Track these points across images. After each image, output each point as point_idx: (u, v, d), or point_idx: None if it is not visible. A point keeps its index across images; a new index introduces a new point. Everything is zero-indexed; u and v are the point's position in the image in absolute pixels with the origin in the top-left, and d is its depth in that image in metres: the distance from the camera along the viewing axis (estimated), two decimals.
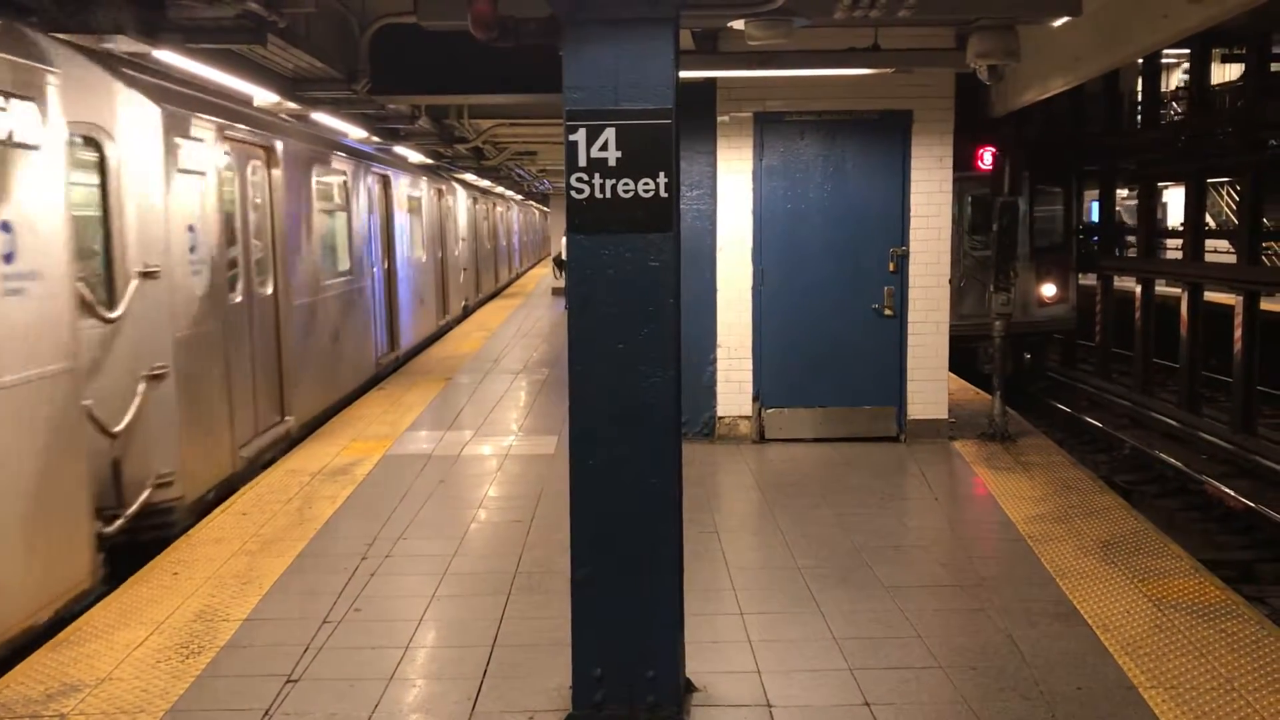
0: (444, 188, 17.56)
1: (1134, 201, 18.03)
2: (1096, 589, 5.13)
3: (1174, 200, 26.31)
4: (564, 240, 18.25)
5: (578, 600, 3.81)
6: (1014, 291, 8.60)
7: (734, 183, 8.26)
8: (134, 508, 5.87)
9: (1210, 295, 13.77)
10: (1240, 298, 11.99)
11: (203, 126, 6.95)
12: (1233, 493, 9.84)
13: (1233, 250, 15.86)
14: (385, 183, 12.72)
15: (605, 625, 3.80)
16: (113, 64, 6.09)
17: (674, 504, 3.81)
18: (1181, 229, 14.65)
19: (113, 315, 5.83)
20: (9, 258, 4.56)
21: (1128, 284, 15.82)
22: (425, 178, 15.70)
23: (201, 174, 6.86)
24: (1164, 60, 16.92)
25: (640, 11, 3.59)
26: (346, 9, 8.26)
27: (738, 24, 5.39)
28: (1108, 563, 5.50)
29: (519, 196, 33.76)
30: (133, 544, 5.86)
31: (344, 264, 10.73)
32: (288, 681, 4.26)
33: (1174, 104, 20.25)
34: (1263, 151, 12.22)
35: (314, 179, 9.54)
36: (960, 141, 8.44)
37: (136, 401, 5.92)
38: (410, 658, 4.50)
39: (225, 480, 7.10)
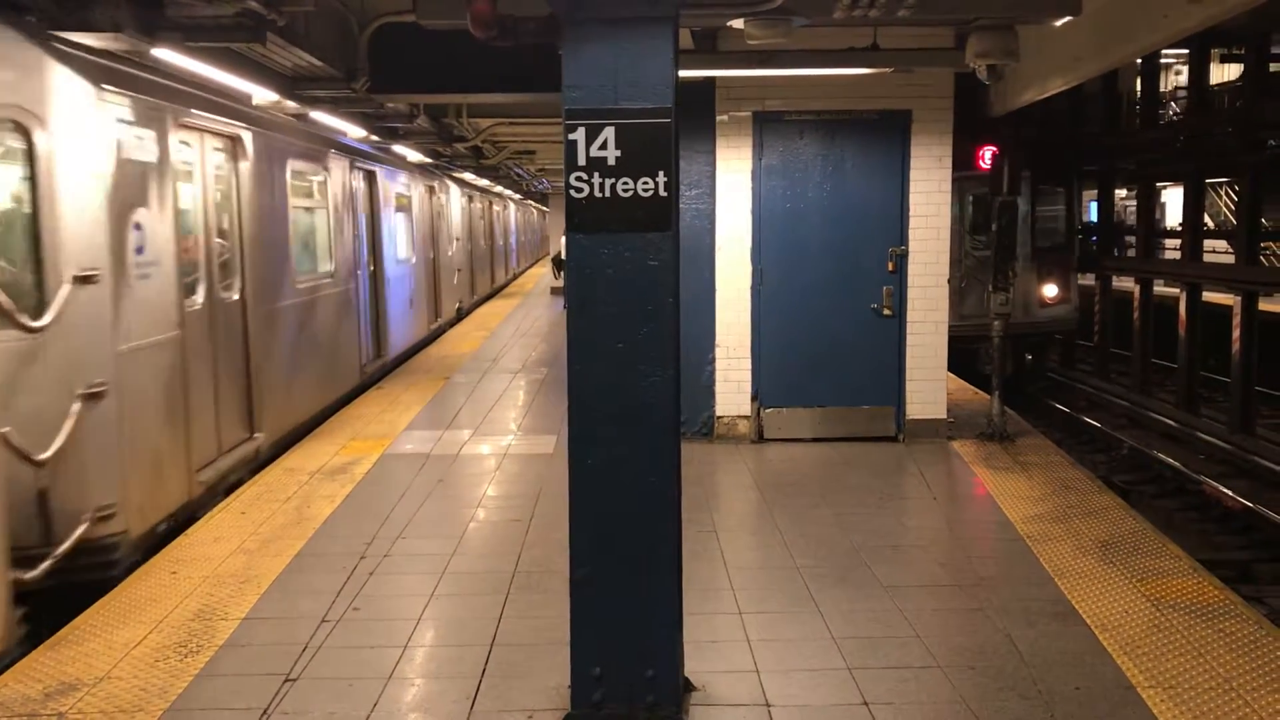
0: (436, 185, 16.88)
1: (1133, 202, 18.04)
2: (1095, 589, 5.13)
3: (1173, 200, 26.32)
4: (563, 240, 18.17)
5: (576, 599, 3.81)
6: (1013, 291, 8.61)
7: (733, 182, 8.26)
8: (65, 546, 5.15)
9: (1209, 295, 13.78)
10: (1239, 298, 11.99)
11: (154, 112, 6.20)
12: (1231, 493, 9.84)
13: (1231, 250, 15.87)
14: (371, 178, 12.08)
15: (604, 624, 3.80)
16: (43, 36, 5.32)
17: (673, 503, 3.81)
18: (1180, 229, 14.64)
19: (37, 325, 5.11)
20: None
21: (1126, 284, 15.82)
22: (415, 174, 15.05)
23: (151, 164, 6.15)
24: (1163, 60, 16.88)
25: (640, 10, 3.59)
26: (346, 8, 8.26)
27: (737, 23, 5.39)
28: (1106, 563, 5.50)
29: (517, 196, 33.77)
30: (66, 588, 5.15)
31: (324, 265, 10.08)
32: (286, 680, 4.26)
33: (1173, 104, 20.27)
34: (1261, 152, 12.22)
35: (289, 173, 8.81)
36: (961, 141, 8.44)
37: (69, 423, 5.20)
38: (409, 657, 4.50)
39: (181, 508, 6.40)
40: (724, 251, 8.31)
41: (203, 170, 7.09)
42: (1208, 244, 16.98)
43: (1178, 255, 14.79)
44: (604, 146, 3.62)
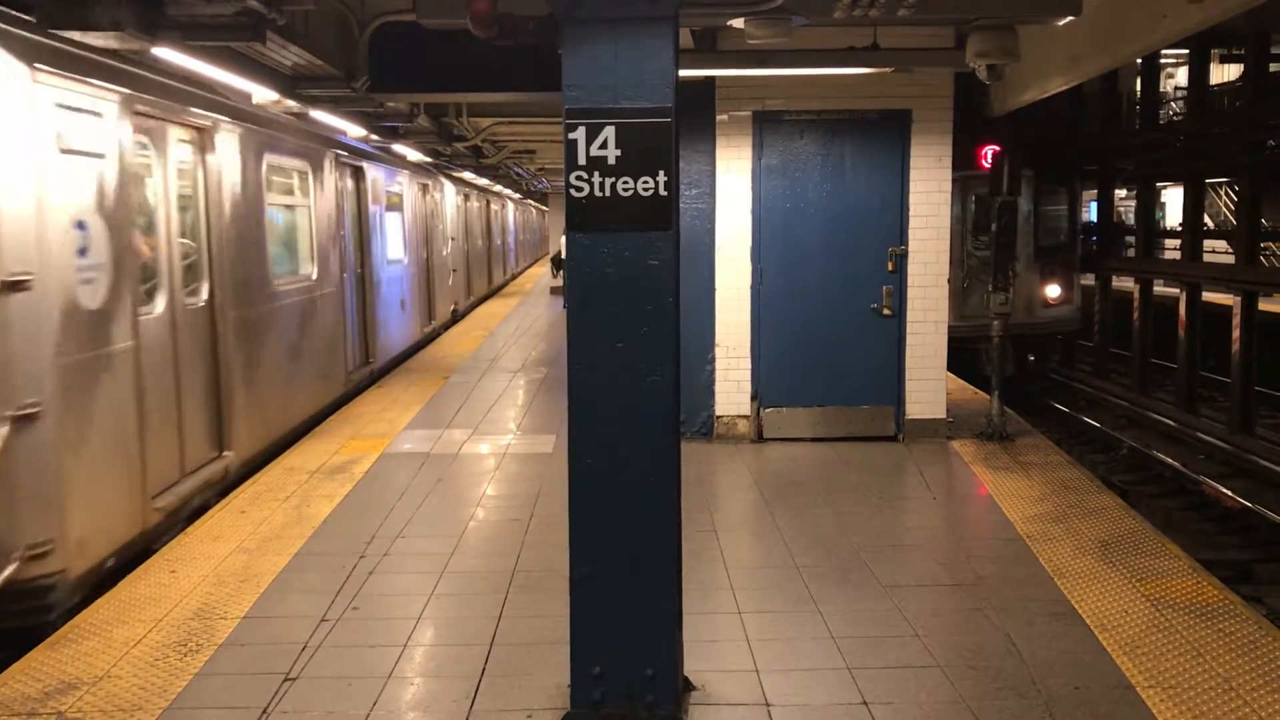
0: (430, 183, 16.30)
1: (1133, 202, 18.03)
2: (1094, 588, 5.14)
3: (1172, 200, 26.32)
4: (562, 239, 18.08)
5: (576, 598, 3.81)
6: (1012, 291, 8.61)
7: (733, 182, 8.26)
8: None
9: (1208, 295, 13.78)
10: (1238, 298, 11.99)
11: (101, 96, 5.51)
12: (1230, 493, 9.85)
13: (1231, 251, 15.87)
14: (359, 175, 11.52)
15: (604, 624, 3.80)
16: None
17: (673, 503, 3.81)
18: (1180, 229, 14.64)
19: None
20: None
21: (1125, 284, 15.82)
22: (408, 171, 14.50)
23: (99, 157, 5.49)
24: (1162, 60, 16.88)
25: (640, 10, 3.59)
26: (346, 7, 8.25)
27: (737, 23, 5.39)
28: (1105, 562, 5.50)
29: (517, 195, 33.76)
30: None
31: (305, 267, 9.46)
32: (286, 679, 4.26)
33: (1172, 104, 20.26)
34: (1261, 152, 12.22)
35: (265, 168, 8.19)
36: (963, 141, 8.44)
37: None
38: (408, 656, 4.50)
39: (134, 540, 5.77)
40: (724, 251, 8.31)
41: (164, 164, 6.46)
42: (1208, 244, 16.96)
43: (1178, 255, 14.78)
44: (604, 146, 3.62)
